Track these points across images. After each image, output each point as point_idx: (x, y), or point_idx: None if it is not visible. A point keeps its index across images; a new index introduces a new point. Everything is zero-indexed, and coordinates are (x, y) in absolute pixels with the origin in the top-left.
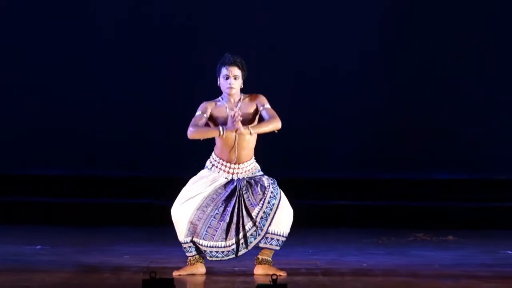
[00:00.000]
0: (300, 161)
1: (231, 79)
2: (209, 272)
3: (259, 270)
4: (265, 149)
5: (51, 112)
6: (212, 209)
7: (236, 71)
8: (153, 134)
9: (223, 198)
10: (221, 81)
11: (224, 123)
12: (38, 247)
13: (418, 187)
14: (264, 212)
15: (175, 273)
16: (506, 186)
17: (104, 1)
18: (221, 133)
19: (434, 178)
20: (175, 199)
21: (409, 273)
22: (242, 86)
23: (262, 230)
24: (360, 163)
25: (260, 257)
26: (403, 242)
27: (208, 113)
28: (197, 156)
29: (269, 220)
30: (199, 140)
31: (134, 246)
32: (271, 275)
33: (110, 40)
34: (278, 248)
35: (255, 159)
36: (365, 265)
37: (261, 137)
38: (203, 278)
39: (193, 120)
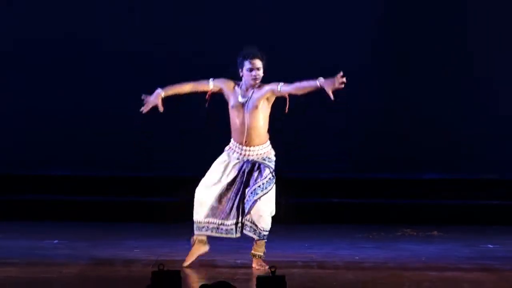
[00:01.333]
0: (297, 160)
1: (255, 71)
2: (212, 265)
3: (253, 264)
4: None
5: (67, 115)
6: (230, 194)
7: (258, 63)
8: (158, 136)
9: (229, 181)
10: (245, 73)
11: (233, 106)
12: (56, 241)
13: (406, 186)
14: (251, 193)
15: (185, 264)
16: (485, 185)
17: (104, 1)
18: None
19: (421, 178)
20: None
21: (398, 265)
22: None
23: (249, 201)
24: (352, 163)
25: (252, 251)
26: (392, 237)
27: (217, 87)
28: (202, 156)
29: (249, 204)
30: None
31: (144, 240)
32: (269, 267)
33: (110, 40)
34: (255, 237)
35: (271, 145)
36: (357, 258)
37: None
38: (207, 269)
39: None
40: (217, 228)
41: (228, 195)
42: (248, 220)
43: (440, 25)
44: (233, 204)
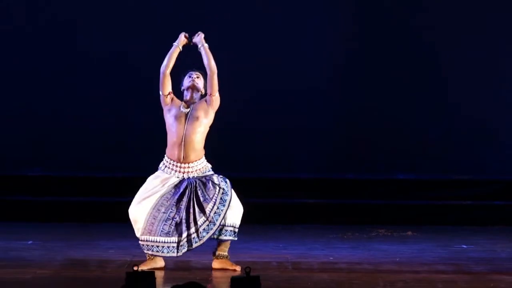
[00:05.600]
0: (272, 161)
1: (194, 75)
2: (187, 266)
3: (216, 265)
4: (234, 150)
5: (39, 115)
6: (166, 209)
7: (198, 73)
8: (135, 137)
9: (176, 197)
10: (184, 81)
11: (175, 117)
12: (30, 242)
13: (380, 186)
14: (217, 207)
15: (139, 267)
16: (459, 185)
17: (104, 1)
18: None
19: (395, 178)
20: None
21: (372, 266)
22: (203, 92)
23: (215, 224)
24: (326, 164)
25: (217, 252)
26: (366, 237)
27: (171, 96)
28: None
29: (222, 215)
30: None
31: (118, 241)
32: (245, 268)
33: (107, 40)
34: (235, 238)
35: (206, 159)
36: (331, 258)
37: (227, 137)
38: (181, 270)
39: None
40: (157, 247)
41: (176, 215)
42: (214, 227)
43: (407, 27)
44: (180, 223)
